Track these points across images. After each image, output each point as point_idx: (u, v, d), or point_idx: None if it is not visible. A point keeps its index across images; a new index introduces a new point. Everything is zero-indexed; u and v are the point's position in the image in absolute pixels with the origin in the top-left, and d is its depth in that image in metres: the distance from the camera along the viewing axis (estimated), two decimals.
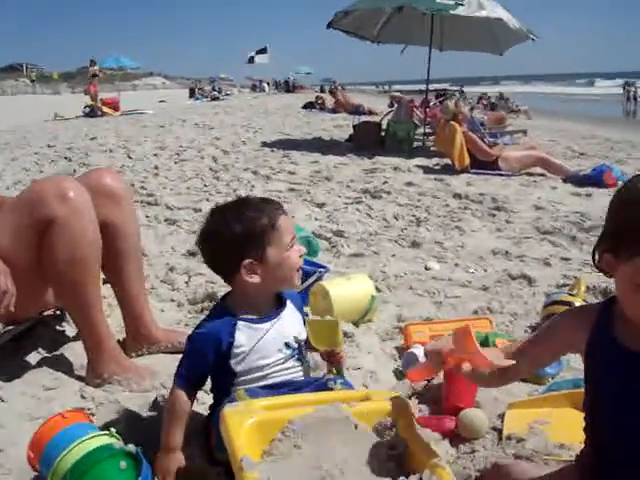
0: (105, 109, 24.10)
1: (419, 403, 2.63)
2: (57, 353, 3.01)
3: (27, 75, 61.88)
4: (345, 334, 3.24)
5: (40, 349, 3.08)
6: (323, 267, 3.80)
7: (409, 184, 7.99)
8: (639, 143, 12.70)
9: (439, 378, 2.76)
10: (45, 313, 3.09)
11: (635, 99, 38.76)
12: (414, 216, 6.22)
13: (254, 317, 2.11)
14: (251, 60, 49.41)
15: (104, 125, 18.47)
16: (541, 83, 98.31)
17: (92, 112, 23.33)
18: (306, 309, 3.55)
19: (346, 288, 3.51)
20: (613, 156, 10.50)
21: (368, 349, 3.17)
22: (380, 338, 3.36)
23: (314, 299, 3.52)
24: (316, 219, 6.10)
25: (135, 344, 3.08)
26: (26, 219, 2.62)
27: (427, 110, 13.71)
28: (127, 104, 26.13)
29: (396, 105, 17.26)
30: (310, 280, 3.62)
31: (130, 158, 10.52)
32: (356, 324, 3.44)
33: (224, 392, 2.09)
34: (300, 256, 2.17)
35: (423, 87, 14.96)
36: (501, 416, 2.48)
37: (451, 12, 11.29)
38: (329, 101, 25.12)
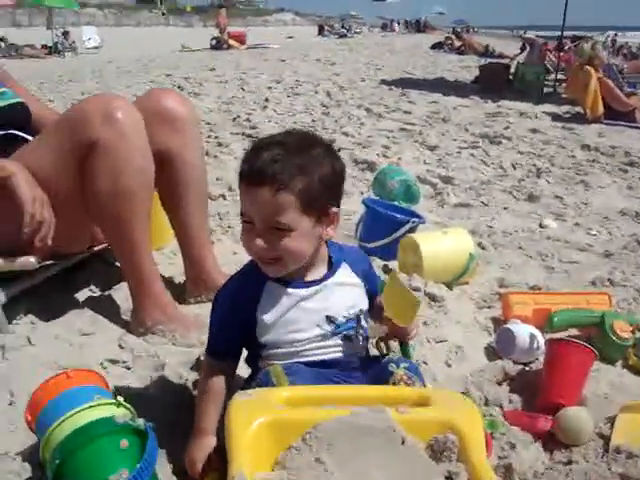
0: (231, 42, 24.15)
1: (511, 391, 2.18)
2: (106, 294, 2.72)
3: (159, 8, 62.89)
4: (433, 297, 2.80)
5: (92, 286, 2.80)
6: (418, 216, 3.31)
7: (533, 131, 7.32)
8: None
9: (539, 363, 2.29)
10: (98, 247, 2.77)
11: None
12: (534, 165, 5.62)
13: (289, 279, 1.69)
14: None
15: (226, 57, 18.41)
16: None
17: (218, 44, 23.47)
18: (394, 263, 3.12)
19: (441, 243, 3.02)
20: None
21: (458, 318, 2.70)
22: (476, 305, 2.88)
23: (403, 253, 3.07)
24: (425, 162, 5.60)
25: (194, 289, 2.74)
26: (67, 142, 2.30)
27: (561, 54, 12.67)
28: (255, 39, 26.05)
29: (528, 48, 16.20)
30: (401, 231, 3.16)
31: (243, 90, 10.23)
32: (449, 286, 2.96)
33: (255, 364, 1.73)
34: None
35: (559, 34, 13.77)
36: (611, 420, 1.99)
37: None
38: (458, 42, 24.09)
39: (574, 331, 2.51)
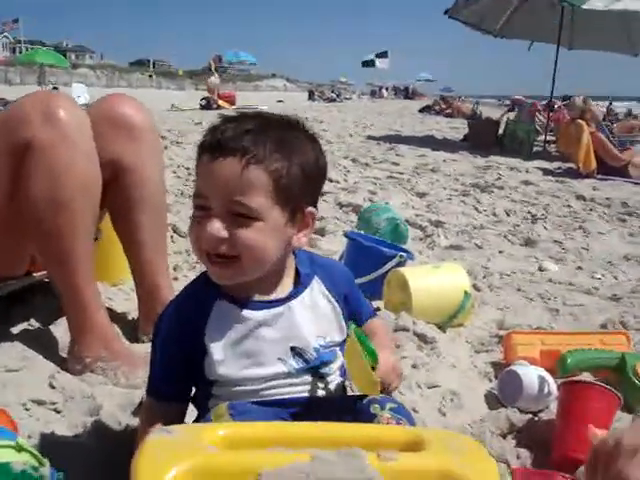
0: (221, 102, 24.09)
1: (518, 445, 1.81)
2: (44, 328, 2.33)
3: (146, 70, 63.51)
4: (424, 338, 2.43)
5: (31, 320, 2.42)
6: (405, 252, 2.96)
7: (526, 182, 7.09)
8: None
9: (550, 412, 1.92)
10: (38, 274, 2.40)
11: None
12: (529, 212, 5.34)
13: (244, 298, 1.32)
14: (370, 64, 48.70)
15: (215, 115, 18.25)
16: None
17: (208, 105, 23.40)
18: (379, 303, 2.77)
19: (432, 279, 2.67)
20: None
21: (453, 361, 2.34)
22: (472, 348, 2.52)
23: (389, 290, 2.72)
24: (413, 207, 5.31)
25: (147, 324, 2.35)
26: (1, 143, 1.97)
27: (551, 114, 12.53)
28: (245, 101, 26.09)
29: (517, 108, 16.16)
30: (387, 266, 2.81)
31: None
32: (442, 327, 2.60)
33: (204, 406, 1.34)
34: None
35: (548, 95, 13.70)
36: None
37: (583, 7, 10.11)
38: (445, 106, 24.24)
39: (588, 376, 2.14)
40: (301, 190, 1.28)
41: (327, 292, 1.43)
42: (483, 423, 1.88)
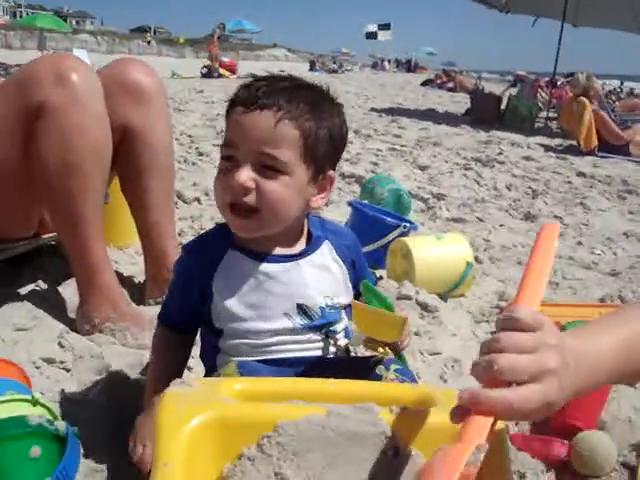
0: (222, 71, 23.96)
1: None
2: (53, 288, 2.36)
3: (145, 37, 62.84)
4: (425, 307, 2.47)
5: (39, 281, 2.44)
6: (409, 222, 2.99)
7: (527, 158, 7.10)
8: None
9: None
10: (47, 236, 2.43)
11: None
12: (530, 187, 5.37)
13: (255, 250, 1.36)
14: (373, 35, 48.27)
15: (216, 83, 18.18)
16: None
17: (209, 73, 23.26)
18: (382, 272, 2.80)
19: (435, 249, 2.71)
20: None
21: (454, 330, 2.38)
22: (472, 318, 2.57)
23: (392, 259, 2.75)
24: (415, 180, 5.33)
25: (154, 288, 2.39)
26: (13, 105, 1.99)
27: (553, 90, 12.49)
28: (246, 70, 25.94)
29: (519, 84, 16.08)
30: (391, 235, 2.84)
31: None
32: (443, 297, 2.64)
33: (211, 360, 1.39)
34: None
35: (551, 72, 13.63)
36: (636, 448, 1.69)
37: None
38: (447, 80, 24.10)
39: None
40: (326, 152, 1.33)
41: (336, 256, 1.46)
42: None
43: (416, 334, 2.25)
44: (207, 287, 1.34)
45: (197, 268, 1.35)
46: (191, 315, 1.39)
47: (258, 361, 1.30)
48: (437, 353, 2.17)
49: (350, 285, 1.48)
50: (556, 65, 12.51)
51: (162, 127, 2.33)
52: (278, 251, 1.38)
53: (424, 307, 2.47)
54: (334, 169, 1.39)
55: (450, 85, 23.06)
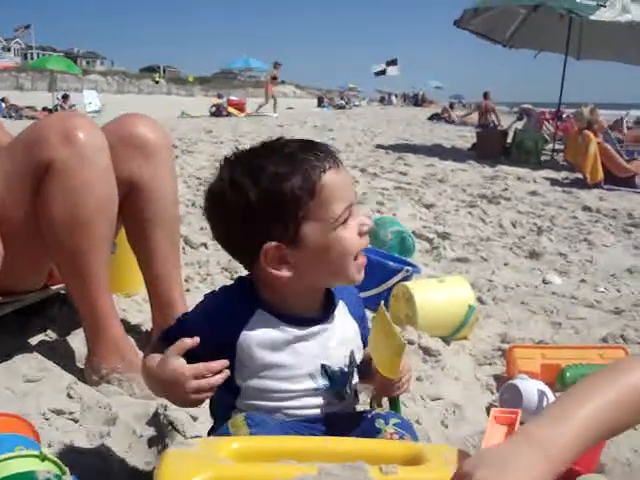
0: (230, 109, 24.23)
1: None
2: (62, 339, 2.42)
3: (154, 76, 63.57)
4: (428, 351, 2.50)
5: (48, 331, 2.52)
6: (412, 265, 3.04)
7: (533, 193, 7.12)
8: None
9: None
10: (56, 287, 2.49)
11: None
12: (535, 224, 5.38)
13: (286, 312, 1.37)
14: (382, 73, 48.67)
15: (225, 122, 18.39)
16: None
17: (218, 111, 23.53)
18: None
19: (437, 293, 2.75)
20: None
21: (456, 374, 2.41)
22: (475, 361, 2.59)
23: (395, 303, 2.79)
24: (421, 219, 5.36)
25: None
26: (22, 163, 2.07)
27: (559, 123, 12.58)
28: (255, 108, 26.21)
29: (525, 117, 16.19)
30: (393, 279, 2.90)
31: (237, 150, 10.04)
32: (446, 340, 2.67)
33: (222, 414, 1.38)
34: (362, 234, 1.36)
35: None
36: None
37: (590, 17, 10.15)
38: (455, 114, 24.27)
39: None
40: None
41: (349, 313, 1.47)
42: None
43: (418, 379, 2.28)
44: (229, 344, 1.33)
45: (225, 319, 1.35)
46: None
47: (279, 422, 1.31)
48: (439, 398, 2.19)
49: (361, 343, 1.50)
50: (561, 97, 12.58)
51: (167, 180, 2.39)
52: (304, 312, 1.39)
53: (426, 351, 2.50)
54: None
55: (457, 119, 23.22)
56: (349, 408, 1.47)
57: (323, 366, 1.37)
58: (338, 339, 1.41)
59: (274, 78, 26.75)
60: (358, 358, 1.47)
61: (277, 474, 0.99)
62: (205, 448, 1.08)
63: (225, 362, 1.29)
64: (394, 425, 1.35)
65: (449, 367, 2.44)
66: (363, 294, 2.93)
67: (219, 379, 1.29)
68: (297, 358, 1.35)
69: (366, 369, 1.48)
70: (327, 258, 1.32)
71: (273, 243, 1.30)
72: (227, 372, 1.30)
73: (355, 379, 1.47)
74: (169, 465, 1.01)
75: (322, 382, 1.37)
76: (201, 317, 1.40)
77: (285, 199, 1.28)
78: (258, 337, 1.34)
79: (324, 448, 1.13)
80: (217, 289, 1.47)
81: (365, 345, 1.50)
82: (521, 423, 1.97)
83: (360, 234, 1.35)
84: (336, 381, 1.39)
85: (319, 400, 1.38)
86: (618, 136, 12.15)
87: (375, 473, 1.01)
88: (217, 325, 1.35)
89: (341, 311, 1.45)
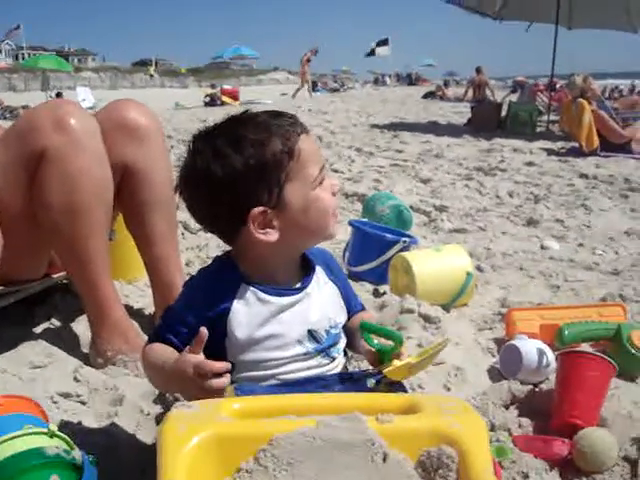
0: (224, 98, 24.16)
1: (519, 415, 1.89)
2: (65, 325, 2.44)
3: (147, 70, 63.28)
4: (428, 318, 2.53)
5: (52, 319, 2.53)
6: (409, 237, 3.06)
7: (529, 164, 7.15)
8: None
9: (550, 382, 2.02)
10: (57, 275, 2.51)
11: None
12: (532, 193, 5.42)
13: (268, 286, 1.41)
14: (372, 52, 48.47)
15: (220, 111, 18.32)
16: None
17: (212, 101, 23.47)
18: (385, 288, 2.87)
19: (434, 262, 2.77)
20: None
21: (456, 339, 2.43)
22: (476, 326, 2.61)
23: (394, 274, 2.82)
24: (417, 194, 5.39)
25: None
26: (15, 153, 2.08)
27: (552, 94, 12.55)
28: (249, 96, 26.14)
29: (519, 90, 16.17)
30: (392, 251, 2.92)
31: None
32: (446, 308, 2.69)
33: None
34: (334, 193, 1.45)
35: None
36: (638, 441, 1.71)
37: None
38: (450, 91, 24.21)
39: (586, 346, 2.23)
40: None
41: (327, 277, 1.53)
42: (486, 395, 1.97)
43: (419, 346, 2.30)
44: (221, 322, 1.37)
45: (210, 302, 1.39)
46: (187, 340, 1.35)
47: (270, 386, 1.36)
48: (440, 363, 2.22)
49: (344, 303, 1.56)
50: (553, 68, 12.58)
51: (161, 162, 2.40)
52: (286, 281, 1.44)
53: (427, 319, 2.52)
54: None
55: (452, 96, 23.17)
56: (341, 367, 1.50)
57: (309, 331, 1.43)
58: (320, 303, 1.47)
59: (308, 60, 26.67)
60: (342, 319, 1.52)
61: (277, 429, 1.02)
62: (206, 409, 1.11)
63: (228, 365, 1.30)
64: (387, 384, 1.38)
65: (449, 333, 2.46)
66: (362, 267, 2.99)
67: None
68: (284, 327, 1.40)
69: (353, 341, 1.54)
70: (309, 217, 1.39)
71: (260, 208, 1.34)
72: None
73: (343, 339, 1.52)
74: (172, 425, 1.04)
75: (310, 346, 1.42)
76: (186, 304, 1.43)
77: (268, 163, 1.34)
78: (245, 314, 1.38)
79: (320, 403, 1.17)
80: (196, 273, 1.52)
81: (348, 305, 1.57)
82: (521, 382, 2.02)
83: (333, 194, 1.44)
84: (324, 343, 1.44)
85: (310, 363, 1.43)
86: (614, 105, 12.15)
87: (372, 423, 1.04)
88: (203, 309, 1.39)
89: (319, 275, 1.51)
